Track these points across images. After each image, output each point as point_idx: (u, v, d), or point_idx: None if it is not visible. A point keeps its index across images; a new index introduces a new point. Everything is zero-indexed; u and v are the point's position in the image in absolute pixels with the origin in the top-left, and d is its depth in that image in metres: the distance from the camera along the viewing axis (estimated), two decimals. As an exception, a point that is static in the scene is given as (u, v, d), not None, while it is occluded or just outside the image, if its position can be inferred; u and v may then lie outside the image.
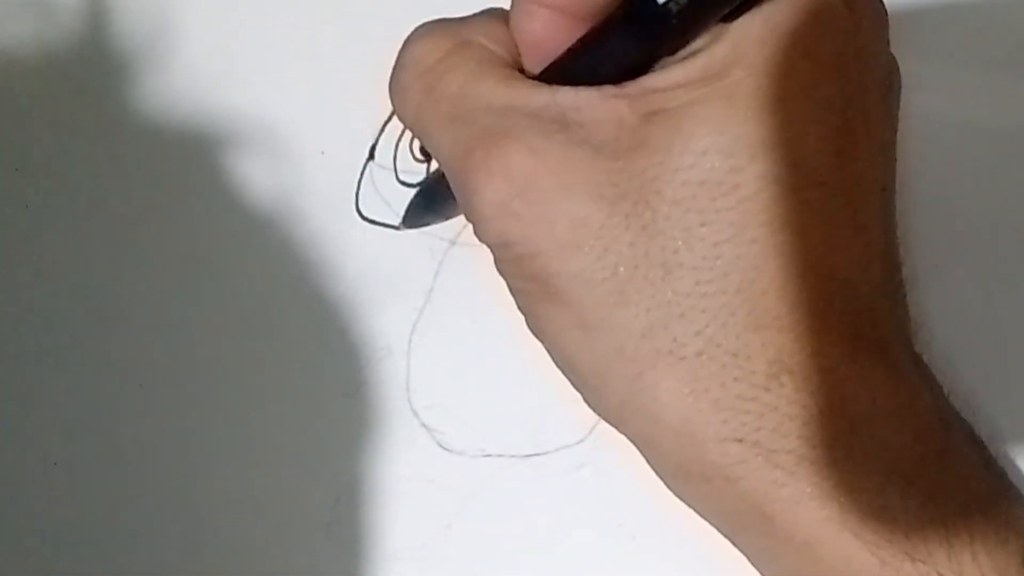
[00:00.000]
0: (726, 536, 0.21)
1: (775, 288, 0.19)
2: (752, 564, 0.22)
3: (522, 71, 0.21)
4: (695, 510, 0.21)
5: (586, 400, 0.21)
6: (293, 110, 0.28)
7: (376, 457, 0.27)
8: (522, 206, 0.19)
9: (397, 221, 0.28)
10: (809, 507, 0.19)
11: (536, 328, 0.21)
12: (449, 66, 0.20)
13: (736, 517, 0.20)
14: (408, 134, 0.28)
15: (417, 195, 0.27)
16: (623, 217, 0.19)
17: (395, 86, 0.21)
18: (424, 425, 0.27)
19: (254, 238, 0.28)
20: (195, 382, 0.28)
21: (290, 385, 0.28)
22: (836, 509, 0.19)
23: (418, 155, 0.28)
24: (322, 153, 0.28)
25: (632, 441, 0.21)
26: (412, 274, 0.28)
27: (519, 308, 0.21)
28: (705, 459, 0.19)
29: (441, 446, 0.27)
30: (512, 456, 0.27)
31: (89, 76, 0.29)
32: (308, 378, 0.28)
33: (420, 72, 0.21)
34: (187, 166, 0.28)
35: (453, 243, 0.28)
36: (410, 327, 0.28)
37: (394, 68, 0.22)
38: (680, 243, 0.19)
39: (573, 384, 0.21)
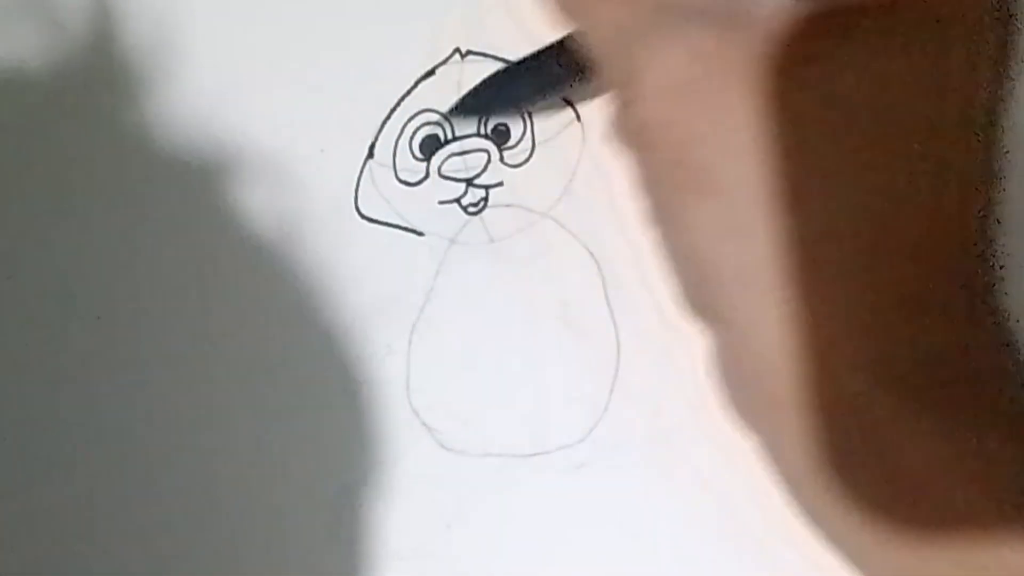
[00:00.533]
0: (826, 471, 0.21)
1: (939, 228, 0.19)
2: (823, 524, 0.21)
3: None
4: (802, 437, 0.20)
5: (698, 301, 0.21)
6: (293, 109, 0.28)
7: (376, 457, 0.27)
8: (700, 88, 0.19)
9: (397, 219, 0.27)
10: (930, 444, 0.19)
11: (665, 218, 0.20)
12: None
13: (851, 447, 0.20)
14: (408, 131, 0.28)
15: (505, 72, 0.25)
16: (802, 125, 0.18)
17: None
18: (424, 425, 0.27)
19: (254, 237, 0.28)
20: (194, 382, 0.28)
21: (290, 384, 0.28)
22: (953, 452, 0.19)
23: (418, 153, 0.28)
24: (322, 151, 0.28)
25: (753, 357, 0.20)
26: (412, 274, 0.28)
27: (649, 193, 0.21)
28: (835, 383, 0.19)
29: (441, 446, 0.27)
30: (512, 456, 0.27)
31: (92, 87, 0.29)
32: (308, 378, 0.28)
33: None
34: (186, 167, 0.28)
35: (453, 243, 0.28)
36: (410, 327, 0.27)
37: None
38: (857, 161, 0.19)
39: (691, 283, 0.21)
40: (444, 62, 0.28)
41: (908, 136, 0.19)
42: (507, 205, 0.28)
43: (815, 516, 0.21)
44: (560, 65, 0.23)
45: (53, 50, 0.28)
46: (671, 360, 0.27)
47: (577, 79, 0.23)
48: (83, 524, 0.28)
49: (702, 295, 0.20)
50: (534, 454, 0.27)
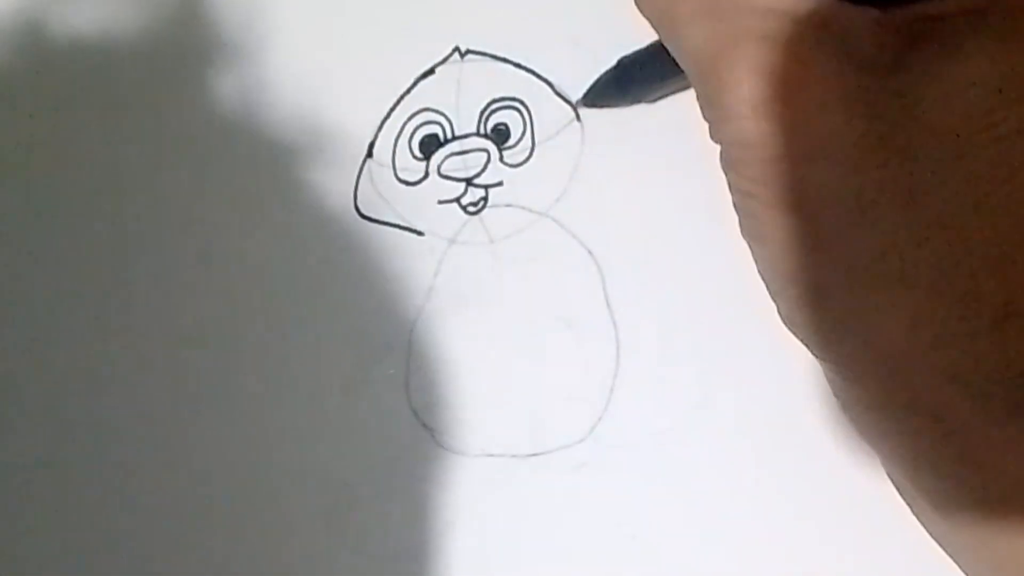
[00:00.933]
0: (907, 484, 0.21)
1: (1018, 233, 0.18)
2: (927, 525, 0.21)
3: None
4: (881, 449, 0.21)
5: (788, 316, 0.21)
6: (290, 108, 0.28)
7: (376, 457, 0.27)
8: (777, 108, 0.19)
9: (396, 219, 0.27)
10: (1014, 462, 0.19)
11: (756, 233, 0.20)
12: None
13: (931, 460, 0.20)
14: (407, 131, 0.28)
15: (611, 72, 0.26)
16: (877, 137, 0.18)
17: None
18: (424, 425, 0.27)
19: (253, 237, 0.28)
20: (195, 382, 0.28)
21: (289, 384, 0.27)
22: None
23: (417, 153, 0.28)
24: (321, 151, 0.28)
25: (833, 366, 0.20)
26: (411, 273, 0.28)
27: (738, 210, 0.21)
28: (915, 393, 0.19)
29: (441, 446, 0.27)
30: (512, 456, 0.27)
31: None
32: (308, 377, 0.27)
33: None
34: (185, 167, 0.28)
35: (452, 241, 0.28)
36: (410, 326, 0.27)
37: None
38: (931, 173, 0.18)
39: (780, 296, 0.21)
40: (443, 61, 0.28)
41: (996, 142, 0.18)
42: (507, 205, 0.28)
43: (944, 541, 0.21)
44: (662, 64, 0.23)
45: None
46: (671, 360, 0.27)
47: (677, 79, 0.24)
48: (83, 524, 0.27)
49: (796, 310, 0.20)
50: (534, 454, 0.27)
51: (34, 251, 0.28)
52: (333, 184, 0.28)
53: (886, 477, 0.26)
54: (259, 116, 0.28)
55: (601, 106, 0.27)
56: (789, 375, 0.27)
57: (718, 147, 0.21)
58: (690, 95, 0.26)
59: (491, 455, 0.27)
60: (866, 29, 0.19)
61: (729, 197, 0.27)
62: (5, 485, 0.28)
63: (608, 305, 0.27)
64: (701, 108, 0.20)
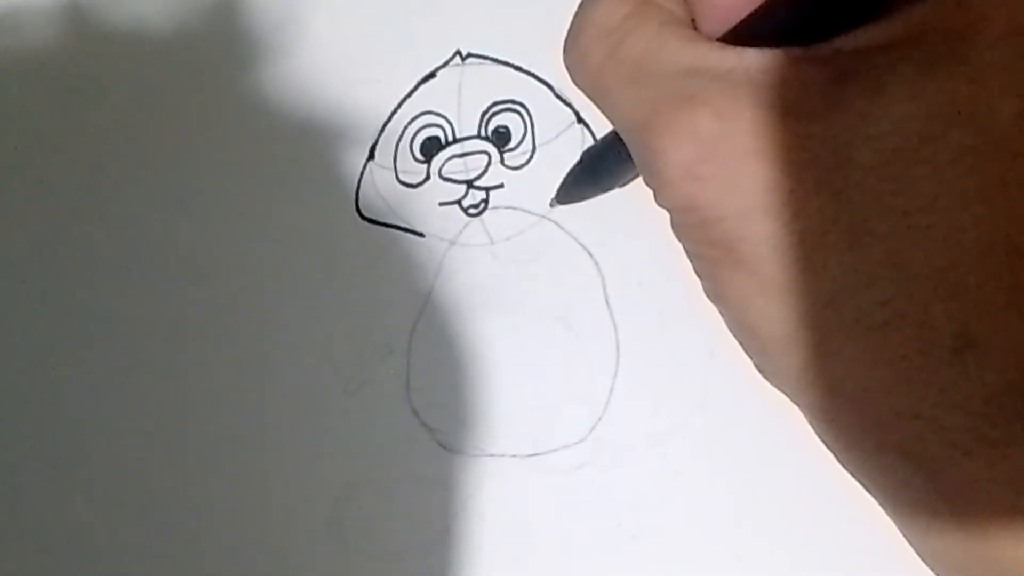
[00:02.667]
0: (891, 514, 0.21)
1: (966, 260, 0.18)
2: (914, 548, 0.21)
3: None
4: (865, 484, 0.21)
5: (760, 368, 0.21)
6: (292, 111, 0.28)
7: (376, 457, 0.27)
8: (709, 169, 0.19)
9: (397, 221, 0.28)
10: (984, 490, 0.18)
11: (715, 294, 0.21)
12: (631, 27, 0.20)
13: (907, 495, 0.20)
14: (408, 134, 0.28)
15: (578, 167, 0.26)
16: (813, 183, 0.18)
17: (573, 48, 0.21)
18: (424, 425, 0.27)
19: (254, 238, 0.28)
20: (195, 382, 0.28)
21: (290, 385, 0.28)
22: (1013, 495, 0.18)
23: (418, 155, 0.28)
24: (322, 153, 0.28)
25: (807, 411, 0.20)
26: (412, 274, 0.28)
27: (697, 273, 0.21)
28: (881, 433, 0.19)
29: (441, 446, 0.27)
30: (512, 456, 0.27)
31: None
32: (308, 378, 0.28)
33: (601, 33, 0.20)
34: (187, 168, 0.28)
35: (453, 243, 0.28)
36: (410, 327, 0.27)
37: (572, 30, 0.21)
38: (871, 211, 0.18)
39: (749, 351, 0.21)
40: (445, 64, 0.28)
41: (932, 174, 0.18)
42: (507, 207, 0.28)
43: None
44: (615, 155, 0.23)
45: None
46: (671, 360, 0.27)
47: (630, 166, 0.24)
48: (83, 524, 0.27)
49: (764, 362, 0.21)
50: (534, 454, 0.27)
51: (42, 246, 0.28)
52: (335, 186, 0.28)
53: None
54: (261, 119, 0.28)
55: (576, 201, 0.27)
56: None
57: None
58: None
59: (491, 455, 0.27)
60: (793, 72, 0.19)
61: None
62: (5, 485, 0.28)
63: (608, 305, 0.27)
64: (642, 177, 0.20)
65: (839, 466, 0.26)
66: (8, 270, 0.28)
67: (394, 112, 0.28)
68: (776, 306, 0.19)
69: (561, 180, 0.27)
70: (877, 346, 0.19)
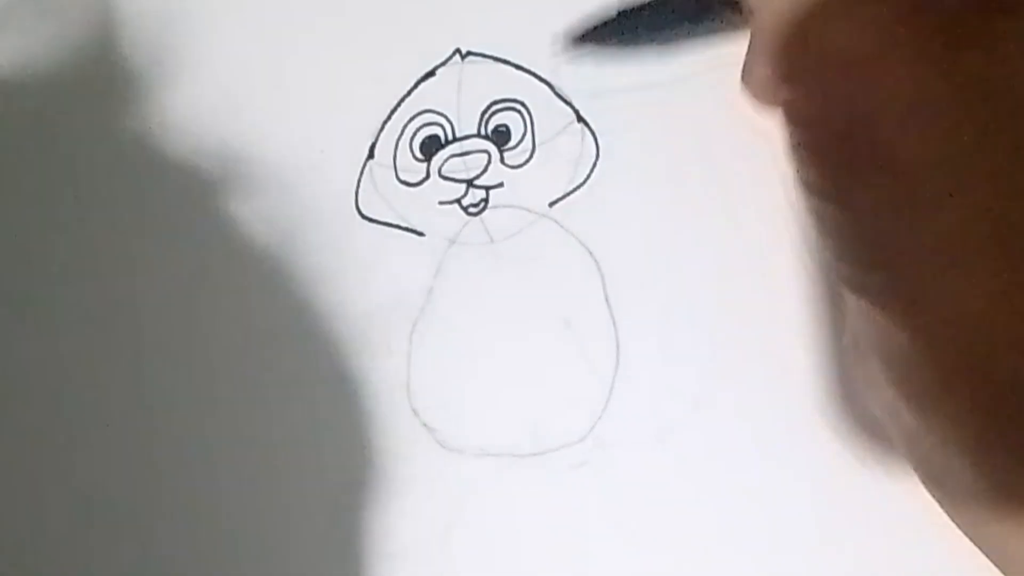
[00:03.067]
0: (966, 455, 0.19)
1: None
2: (976, 502, 0.20)
3: None
4: (938, 422, 0.20)
5: (855, 276, 0.20)
6: (293, 111, 0.28)
7: (376, 457, 0.27)
8: (872, 66, 0.18)
9: (397, 220, 0.28)
10: None
11: (836, 192, 0.20)
12: None
13: (1001, 432, 0.19)
14: (408, 132, 0.28)
15: (617, 18, 0.25)
16: (977, 100, 0.18)
17: None
18: (424, 425, 0.27)
19: (254, 238, 0.28)
20: (195, 382, 0.28)
21: (290, 385, 0.28)
22: None
23: (418, 154, 0.28)
24: (321, 152, 0.28)
25: (909, 327, 0.19)
26: (412, 273, 0.28)
27: (808, 180, 0.20)
28: (993, 362, 0.18)
29: (441, 446, 0.27)
30: (512, 456, 0.27)
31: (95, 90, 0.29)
32: (309, 378, 0.27)
33: None
34: (187, 170, 0.28)
35: (453, 243, 0.28)
36: (410, 327, 0.27)
37: None
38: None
39: (849, 254, 0.20)
40: (444, 63, 0.28)
41: None
42: (507, 206, 0.28)
43: (976, 519, 0.21)
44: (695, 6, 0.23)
45: (57, 52, 0.28)
46: (671, 360, 0.27)
47: (719, 17, 0.23)
48: (83, 524, 0.27)
49: (867, 271, 0.20)
50: (534, 454, 0.27)
51: (35, 245, 0.28)
52: (334, 185, 0.28)
53: (885, 477, 0.26)
54: (260, 117, 0.28)
55: (588, 45, 0.26)
56: (789, 375, 0.27)
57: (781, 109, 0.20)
58: (688, 96, 0.26)
59: (491, 455, 0.27)
60: None
61: (728, 197, 0.27)
62: (6, 485, 0.28)
63: (608, 305, 0.27)
64: (775, 59, 0.20)
65: (839, 466, 0.27)
66: None
67: (394, 111, 0.28)
68: (912, 218, 0.19)
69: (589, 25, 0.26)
70: (1012, 273, 0.18)
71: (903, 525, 0.26)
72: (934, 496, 0.21)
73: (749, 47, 0.21)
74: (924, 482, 0.21)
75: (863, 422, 0.26)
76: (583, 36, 0.27)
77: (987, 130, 0.18)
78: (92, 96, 0.28)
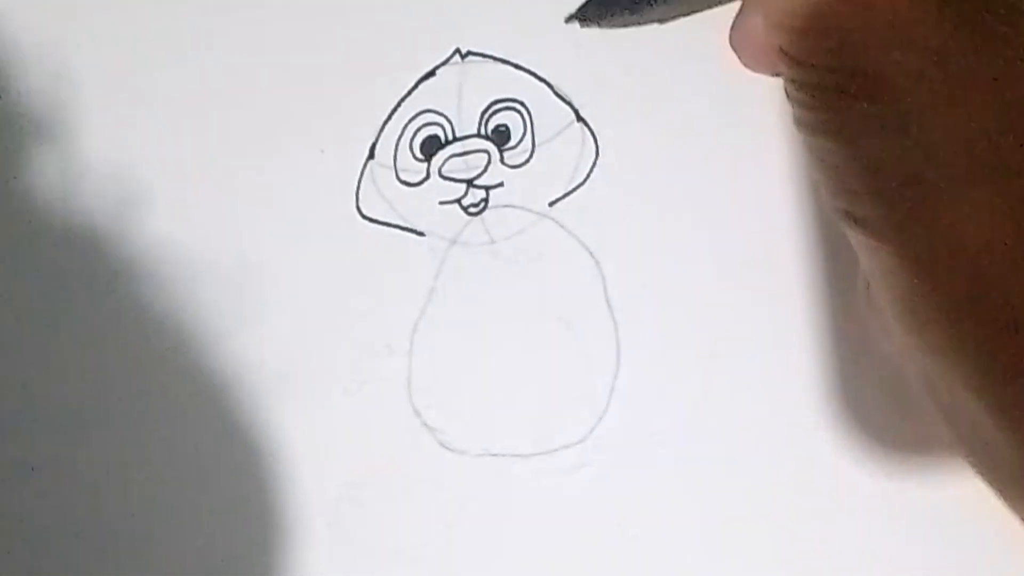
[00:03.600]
0: (975, 389, 0.19)
1: None
2: (978, 439, 0.20)
3: None
4: (948, 354, 0.19)
5: (854, 210, 0.20)
6: (292, 109, 0.28)
7: (376, 457, 0.27)
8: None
9: (398, 220, 0.28)
10: None
11: (829, 125, 0.20)
12: None
13: (1008, 361, 0.18)
14: (409, 132, 0.28)
15: None
16: (964, 18, 0.18)
17: None
18: (425, 425, 0.27)
19: (254, 238, 0.28)
20: (195, 382, 0.28)
21: (291, 385, 0.28)
22: None
23: (418, 154, 0.28)
24: (322, 152, 0.28)
25: (910, 262, 0.19)
26: (413, 273, 0.28)
27: (804, 105, 0.20)
28: (1006, 297, 0.18)
29: (442, 446, 0.27)
30: (512, 456, 0.27)
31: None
32: (309, 377, 0.27)
33: None
34: (185, 168, 0.28)
35: (454, 243, 0.28)
36: (411, 326, 0.27)
37: None
38: (1019, 51, 0.18)
39: (852, 191, 0.20)
40: (445, 63, 0.28)
41: None
42: (507, 206, 0.28)
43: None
44: None
45: None
46: (671, 360, 0.27)
47: None
48: (82, 523, 0.27)
49: (864, 202, 0.20)
50: (534, 454, 0.27)
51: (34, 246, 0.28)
52: (335, 185, 0.28)
53: (886, 477, 0.26)
54: (261, 117, 0.28)
55: (596, 21, 0.26)
56: (789, 375, 0.27)
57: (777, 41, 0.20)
58: (688, 96, 0.26)
59: (492, 455, 0.27)
60: None
61: (727, 196, 0.27)
62: (5, 485, 0.28)
63: (608, 305, 0.27)
64: (763, 16, 0.20)
65: (839, 465, 0.27)
66: None
67: (394, 111, 0.28)
68: (907, 140, 0.19)
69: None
70: (1012, 194, 0.18)
71: (903, 525, 0.26)
72: (959, 449, 0.21)
73: (743, 3, 0.21)
74: (948, 430, 0.21)
75: (863, 422, 0.26)
76: (584, 13, 0.26)
77: (975, 42, 0.18)
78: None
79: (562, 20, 0.27)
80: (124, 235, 0.28)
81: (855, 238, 0.21)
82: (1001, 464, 0.20)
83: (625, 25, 0.26)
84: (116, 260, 0.28)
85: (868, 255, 0.20)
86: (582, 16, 0.26)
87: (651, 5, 0.25)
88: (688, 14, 0.26)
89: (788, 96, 0.21)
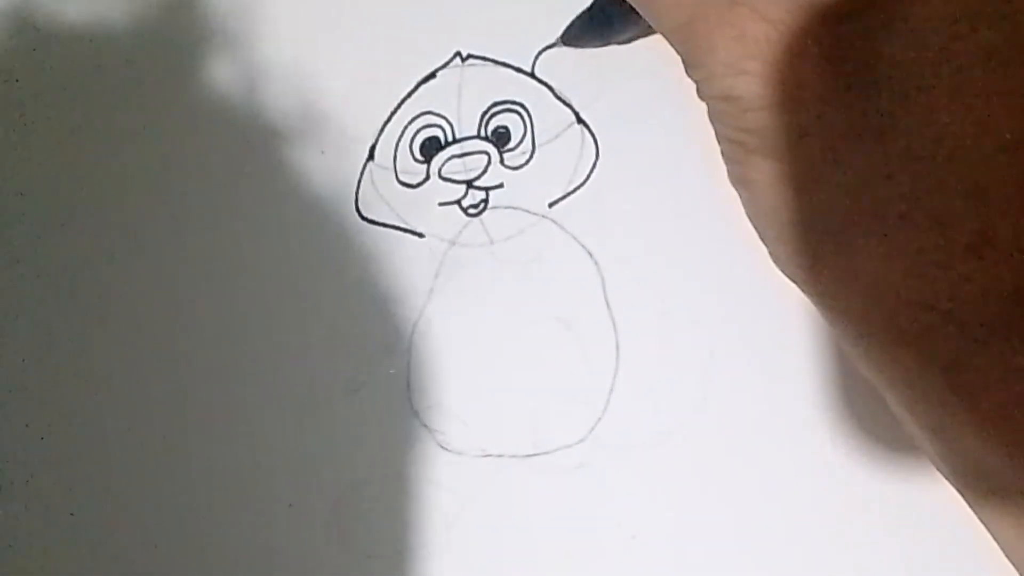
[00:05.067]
0: (902, 409, 0.21)
1: (987, 160, 0.19)
2: (923, 446, 0.21)
3: None
4: (875, 377, 0.21)
5: (774, 255, 0.22)
6: (292, 110, 0.28)
7: (376, 457, 0.27)
8: (752, 66, 0.20)
9: (397, 221, 0.28)
10: (999, 381, 0.19)
11: (742, 178, 0.22)
12: None
13: (921, 389, 0.20)
14: (408, 134, 0.28)
15: (590, 10, 0.27)
16: (844, 78, 0.19)
17: None
18: (424, 425, 0.27)
19: (255, 239, 0.28)
20: (195, 382, 0.28)
21: (290, 385, 0.28)
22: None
23: (418, 156, 0.28)
24: (322, 153, 0.28)
25: (818, 303, 0.21)
26: (412, 274, 0.28)
27: (727, 158, 0.22)
28: (895, 323, 0.20)
29: (441, 446, 0.27)
30: (512, 456, 0.27)
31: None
32: (308, 378, 0.28)
33: None
34: (185, 168, 0.28)
35: (453, 243, 0.28)
36: (410, 327, 0.28)
37: None
38: (897, 107, 0.19)
39: (765, 237, 0.22)
40: (444, 65, 0.28)
41: (956, 73, 0.19)
42: (507, 207, 0.28)
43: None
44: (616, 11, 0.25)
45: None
46: (671, 360, 0.27)
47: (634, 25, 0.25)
48: (83, 523, 0.27)
49: (781, 248, 0.22)
50: (534, 454, 0.27)
51: (27, 252, 0.28)
52: (334, 186, 0.28)
53: (885, 477, 0.26)
54: (261, 118, 0.28)
55: (580, 46, 0.27)
56: (789, 376, 0.27)
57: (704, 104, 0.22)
58: (688, 96, 0.27)
59: (491, 455, 0.27)
60: None
61: (727, 196, 0.27)
62: (6, 485, 0.28)
63: (608, 306, 0.27)
64: (685, 69, 0.22)
65: (838, 466, 0.26)
66: None
67: (394, 112, 0.28)
68: (799, 193, 0.20)
69: (569, 21, 0.27)
70: (894, 238, 0.19)
71: (903, 525, 0.26)
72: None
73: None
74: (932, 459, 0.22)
75: (863, 422, 0.26)
76: (565, 38, 0.27)
77: (856, 108, 0.19)
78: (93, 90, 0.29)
79: (562, 25, 0.28)
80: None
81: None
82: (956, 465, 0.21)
83: (597, 47, 0.27)
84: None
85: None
86: (564, 40, 0.27)
87: (616, 33, 0.27)
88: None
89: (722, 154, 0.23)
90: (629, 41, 0.27)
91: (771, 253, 0.22)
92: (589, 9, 0.27)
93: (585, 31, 0.27)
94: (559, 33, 0.27)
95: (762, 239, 0.22)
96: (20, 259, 0.28)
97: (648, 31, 0.27)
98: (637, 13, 0.23)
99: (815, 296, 0.21)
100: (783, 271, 0.22)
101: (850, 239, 0.20)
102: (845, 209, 0.20)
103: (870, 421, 0.26)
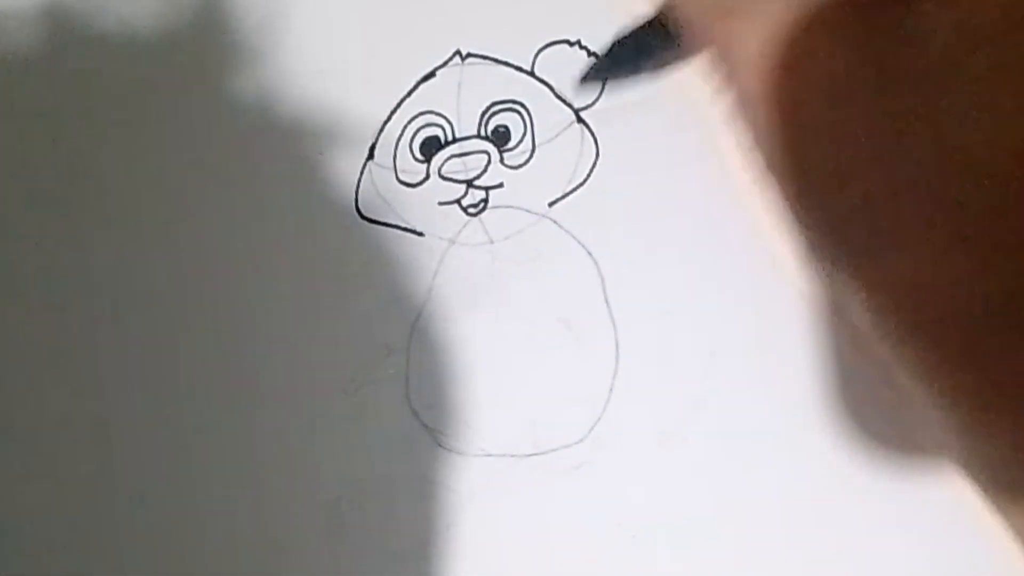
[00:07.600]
0: (935, 407, 0.21)
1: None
2: (951, 445, 0.21)
3: None
4: (910, 371, 0.21)
5: (814, 249, 0.22)
6: (292, 110, 0.28)
7: (376, 457, 0.27)
8: (781, 53, 0.20)
9: (397, 220, 0.28)
10: None
11: (775, 167, 0.22)
12: None
13: (957, 381, 0.20)
14: (408, 133, 0.28)
15: (615, 49, 0.26)
16: (862, 79, 0.20)
17: None
18: (424, 425, 0.27)
19: (254, 238, 0.28)
20: (195, 382, 0.28)
21: (290, 385, 0.28)
22: None
23: (418, 155, 0.28)
24: (321, 153, 0.28)
25: (856, 300, 0.21)
26: (412, 274, 0.28)
27: (760, 153, 0.22)
28: (935, 319, 0.19)
29: (441, 446, 0.27)
30: (512, 456, 0.27)
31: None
32: (308, 378, 0.28)
33: None
34: (187, 169, 0.28)
35: (452, 242, 0.28)
36: (410, 326, 0.28)
37: None
38: (909, 117, 0.19)
39: (803, 228, 0.21)
40: (444, 64, 0.28)
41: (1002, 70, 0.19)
42: (507, 206, 0.28)
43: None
44: (656, 39, 0.24)
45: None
46: (671, 360, 0.27)
47: (673, 51, 0.25)
48: (84, 523, 0.27)
49: (822, 244, 0.21)
50: (533, 454, 0.27)
51: (36, 249, 0.28)
52: (334, 186, 0.28)
53: (885, 478, 0.26)
54: (260, 118, 0.28)
55: (600, 79, 0.27)
56: (788, 375, 0.27)
57: (727, 100, 0.22)
58: (688, 96, 0.27)
59: (491, 455, 0.27)
60: None
61: (727, 197, 0.27)
62: (5, 484, 0.28)
63: (608, 305, 0.27)
64: (712, 66, 0.22)
65: (838, 467, 0.27)
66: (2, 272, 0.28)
67: (393, 112, 0.28)
68: (849, 187, 0.20)
69: (591, 63, 0.27)
70: (953, 229, 0.19)
71: (903, 525, 0.26)
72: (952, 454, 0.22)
73: None
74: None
75: (863, 422, 0.26)
76: (585, 77, 0.27)
77: (870, 109, 0.20)
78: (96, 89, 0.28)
79: (563, 24, 0.28)
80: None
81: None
82: (987, 469, 0.21)
83: (627, 77, 0.27)
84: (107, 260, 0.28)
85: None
86: (585, 78, 0.27)
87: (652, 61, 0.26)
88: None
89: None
90: (657, 71, 0.26)
91: (811, 250, 0.22)
92: (617, 44, 0.26)
93: (620, 61, 0.26)
94: (584, 70, 0.27)
95: (799, 234, 0.22)
96: (22, 258, 0.28)
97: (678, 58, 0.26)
98: (652, 49, 0.23)
99: (852, 294, 0.21)
100: (821, 269, 0.22)
101: (891, 240, 0.20)
102: (886, 206, 0.19)
103: (870, 421, 0.26)
